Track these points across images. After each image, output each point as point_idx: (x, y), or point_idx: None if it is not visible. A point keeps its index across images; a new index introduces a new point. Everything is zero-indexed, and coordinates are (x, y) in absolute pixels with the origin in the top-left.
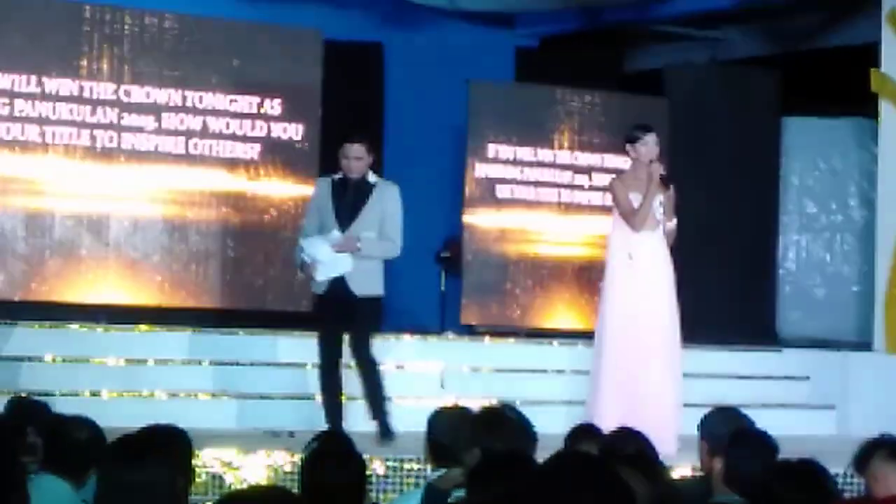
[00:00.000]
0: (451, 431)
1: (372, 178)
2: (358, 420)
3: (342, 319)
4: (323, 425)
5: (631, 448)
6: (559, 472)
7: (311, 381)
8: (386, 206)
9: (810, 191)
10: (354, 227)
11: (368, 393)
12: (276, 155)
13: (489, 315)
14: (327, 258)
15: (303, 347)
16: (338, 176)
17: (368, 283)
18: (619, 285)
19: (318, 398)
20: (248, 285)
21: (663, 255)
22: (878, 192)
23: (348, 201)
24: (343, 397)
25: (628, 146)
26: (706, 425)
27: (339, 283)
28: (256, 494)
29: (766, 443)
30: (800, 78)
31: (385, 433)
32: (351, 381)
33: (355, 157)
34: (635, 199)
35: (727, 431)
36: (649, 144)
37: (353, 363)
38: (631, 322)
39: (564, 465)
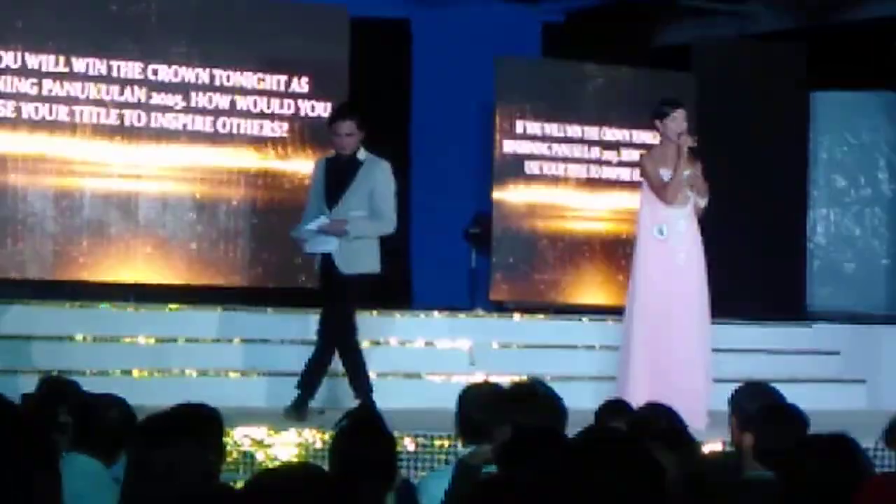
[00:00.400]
0: (481, 408)
1: (361, 154)
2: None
3: (328, 297)
4: (352, 403)
5: (661, 423)
6: (587, 449)
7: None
8: (375, 182)
9: (839, 165)
10: (341, 206)
11: (349, 372)
12: (305, 133)
13: (518, 291)
14: (313, 237)
15: None
16: (331, 155)
17: (358, 261)
18: (650, 261)
19: (343, 375)
20: (277, 263)
21: (693, 230)
22: None
23: (337, 180)
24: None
25: (657, 121)
26: (736, 400)
27: (327, 261)
28: (288, 473)
29: (796, 417)
30: (827, 51)
31: (303, 411)
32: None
33: (346, 133)
34: (665, 174)
35: (757, 406)
36: (678, 119)
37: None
38: (661, 297)
39: (593, 442)
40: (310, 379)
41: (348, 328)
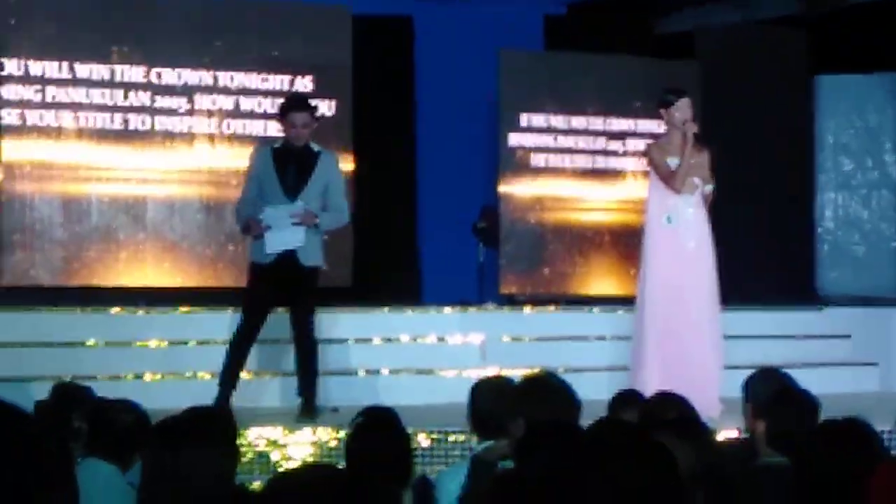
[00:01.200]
0: (493, 402)
1: (315, 146)
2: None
3: (283, 291)
4: (366, 401)
5: (672, 413)
6: (598, 443)
7: (354, 356)
8: (332, 175)
9: (846, 148)
10: (303, 197)
11: (307, 368)
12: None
13: (528, 284)
14: (284, 229)
15: (344, 323)
16: (277, 145)
17: (314, 254)
18: (659, 249)
19: (356, 372)
20: None
21: (702, 217)
22: None
23: (294, 170)
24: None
25: (662, 110)
26: (750, 387)
27: (288, 254)
28: (304, 474)
29: (807, 402)
30: (831, 35)
31: (314, 410)
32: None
33: (302, 124)
34: (672, 162)
35: (770, 392)
36: (683, 108)
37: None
38: (672, 285)
39: (602, 435)
40: (310, 378)
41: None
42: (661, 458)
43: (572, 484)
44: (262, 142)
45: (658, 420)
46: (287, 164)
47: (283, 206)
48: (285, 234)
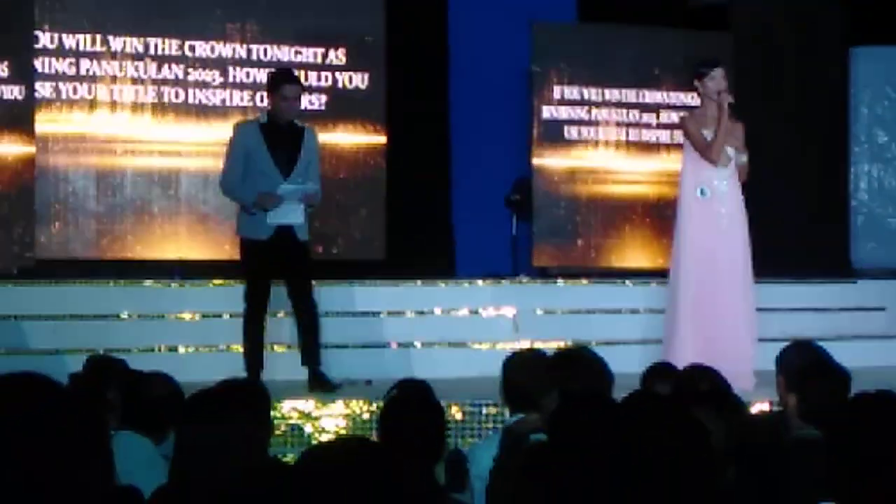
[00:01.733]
0: (526, 376)
1: (298, 121)
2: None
3: (282, 265)
4: (398, 374)
5: (704, 385)
6: (631, 414)
7: (388, 329)
8: (314, 152)
9: (880, 120)
10: (296, 175)
11: (311, 340)
12: (343, 105)
13: (561, 257)
14: (287, 205)
15: (378, 296)
16: (263, 120)
17: (306, 229)
18: (693, 222)
19: (389, 345)
20: (320, 235)
21: (736, 190)
22: None
23: (284, 147)
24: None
25: (696, 82)
26: (783, 359)
27: (284, 230)
28: (338, 447)
29: (838, 374)
30: (866, 5)
31: (327, 381)
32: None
33: (294, 97)
34: (707, 133)
35: (802, 365)
36: (717, 78)
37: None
38: (706, 258)
39: (635, 408)
40: (315, 349)
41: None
42: (693, 431)
43: (605, 456)
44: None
45: (691, 393)
46: (277, 141)
47: (294, 186)
48: (287, 210)
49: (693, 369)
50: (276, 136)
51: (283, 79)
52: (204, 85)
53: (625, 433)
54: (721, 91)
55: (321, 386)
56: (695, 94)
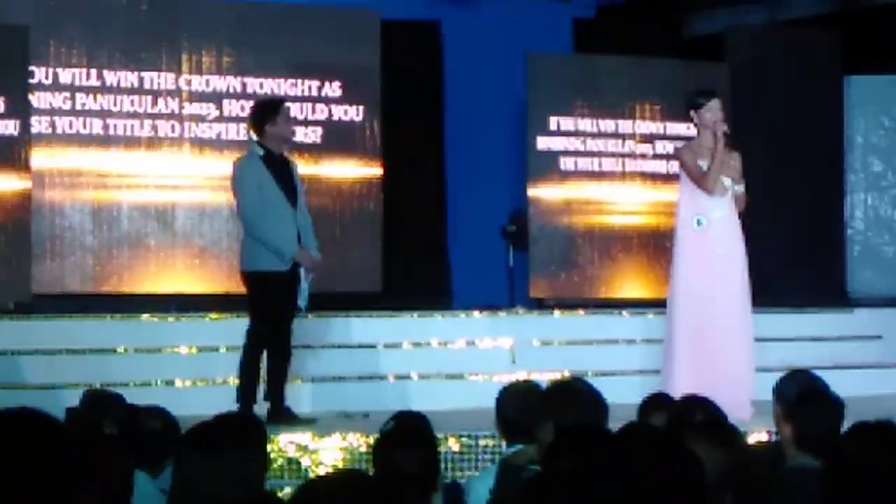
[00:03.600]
0: (521, 407)
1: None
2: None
3: (290, 300)
4: (396, 406)
5: (699, 416)
6: (624, 448)
7: (385, 361)
8: (302, 181)
9: (875, 148)
10: (300, 209)
11: (282, 375)
12: (338, 137)
13: (558, 288)
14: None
15: (374, 328)
16: (261, 153)
17: None
18: (690, 252)
19: (387, 377)
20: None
21: (733, 220)
22: None
23: (285, 178)
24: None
25: (692, 112)
26: (779, 389)
27: (293, 273)
28: (335, 481)
29: (830, 402)
30: (861, 35)
31: (293, 414)
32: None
33: (291, 118)
34: (703, 164)
35: (797, 393)
36: (713, 110)
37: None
38: (703, 288)
39: (629, 440)
40: (282, 383)
41: None
42: (686, 462)
43: (600, 488)
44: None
45: (685, 423)
46: (278, 172)
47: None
48: (305, 292)
49: (687, 400)
50: (277, 167)
51: (276, 102)
52: (199, 118)
53: (618, 465)
54: (717, 121)
55: (288, 420)
56: (690, 125)
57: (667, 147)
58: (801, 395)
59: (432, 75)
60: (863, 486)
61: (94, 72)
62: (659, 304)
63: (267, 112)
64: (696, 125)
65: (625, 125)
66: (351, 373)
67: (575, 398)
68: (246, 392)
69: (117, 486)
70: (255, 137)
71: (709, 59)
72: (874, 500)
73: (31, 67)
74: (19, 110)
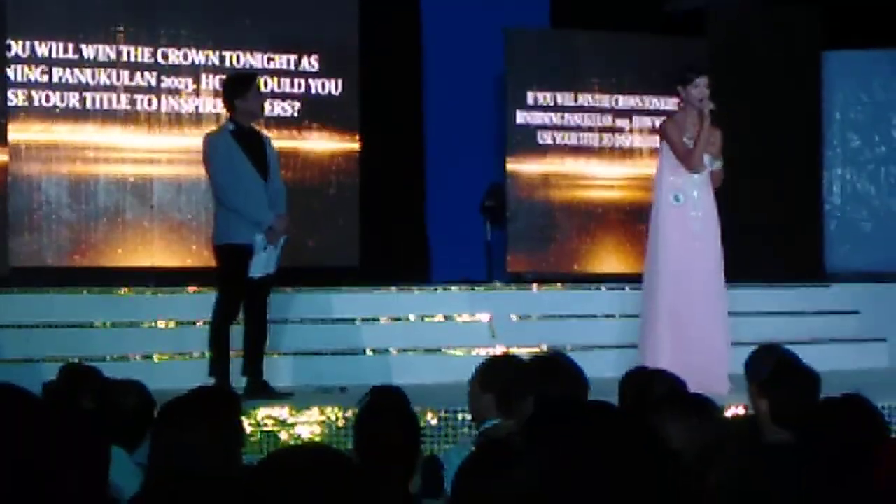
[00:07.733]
0: (501, 381)
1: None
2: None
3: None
4: (374, 380)
5: (662, 390)
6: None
7: (363, 335)
8: (276, 154)
9: (853, 124)
10: (271, 177)
11: (259, 350)
12: (316, 111)
13: (536, 263)
14: (269, 257)
15: (352, 302)
16: (231, 128)
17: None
18: (668, 227)
19: (364, 352)
20: (294, 242)
21: (709, 195)
22: None
23: (256, 152)
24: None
25: (679, 88)
26: (751, 364)
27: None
28: (301, 454)
29: (807, 376)
30: (841, 11)
31: (270, 389)
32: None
33: (262, 93)
34: (688, 140)
35: (770, 369)
36: (700, 87)
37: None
38: (680, 263)
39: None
40: (260, 355)
41: None
42: (644, 438)
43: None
44: (270, 121)
45: (649, 398)
46: (249, 146)
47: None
48: (268, 261)
49: (650, 374)
50: (246, 141)
51: (247, 77)
52: (177, 92)
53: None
54: (703, 98)
55: (266, 394)
56: (668, 99)
57: (645, 122)
58: (776, 371)
59: (410, 50)
60: (833, 459)
61: (71, 45)
62: (637, 279)
63: (237, 87)
64: (681, 100)
65: (603, 99)
66: (329, 347)
67: (556, 372)
68: (218, 365)
69: (94, 462)
70: (225, 112)
71: (688, 34)
72: (846, 474)
73: (9, 41)
74: None
